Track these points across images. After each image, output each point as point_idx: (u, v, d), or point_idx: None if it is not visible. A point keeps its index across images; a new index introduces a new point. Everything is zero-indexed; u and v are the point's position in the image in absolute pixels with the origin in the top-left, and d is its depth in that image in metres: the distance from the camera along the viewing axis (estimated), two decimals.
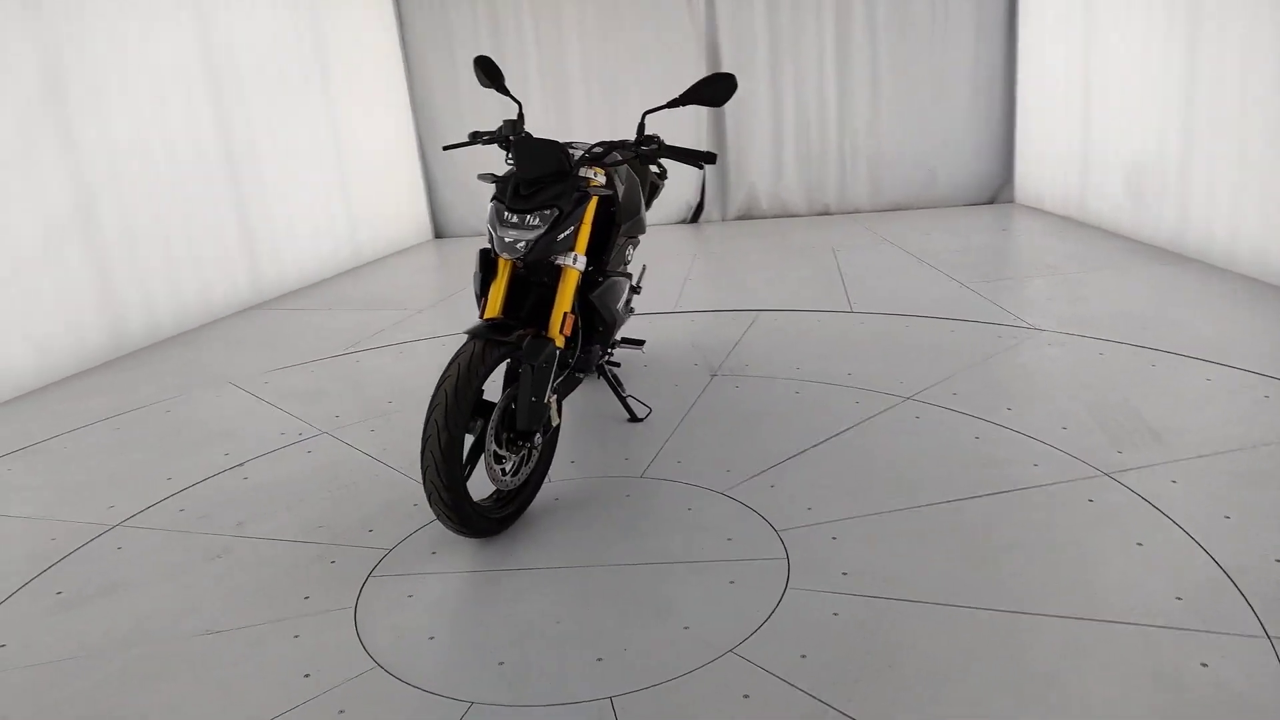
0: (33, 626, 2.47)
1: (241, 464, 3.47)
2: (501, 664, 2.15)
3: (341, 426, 3.76)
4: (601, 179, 2.84)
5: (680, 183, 8.27)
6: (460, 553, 2.67)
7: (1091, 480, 2.83)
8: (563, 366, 2.86)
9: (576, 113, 8.29)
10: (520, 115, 2.91)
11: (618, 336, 3.63)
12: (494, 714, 1.98)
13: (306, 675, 2.16)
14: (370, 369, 4.57)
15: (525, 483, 2.82)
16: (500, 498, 2.78)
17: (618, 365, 3.68)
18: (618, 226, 3.01)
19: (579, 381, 3.18)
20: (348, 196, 7.36)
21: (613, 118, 8.23)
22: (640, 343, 3.78)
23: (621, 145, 2.93)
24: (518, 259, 2.68)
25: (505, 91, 3.06)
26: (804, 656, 2.08)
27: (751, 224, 8.11)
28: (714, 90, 2.90)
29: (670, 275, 6.14)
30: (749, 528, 2.69)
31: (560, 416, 2.88)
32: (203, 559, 2.77)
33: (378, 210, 7.75)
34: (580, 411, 3.72)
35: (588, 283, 2.96)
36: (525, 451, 2.71)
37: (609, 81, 8.19)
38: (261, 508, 3.08)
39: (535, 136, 2.76)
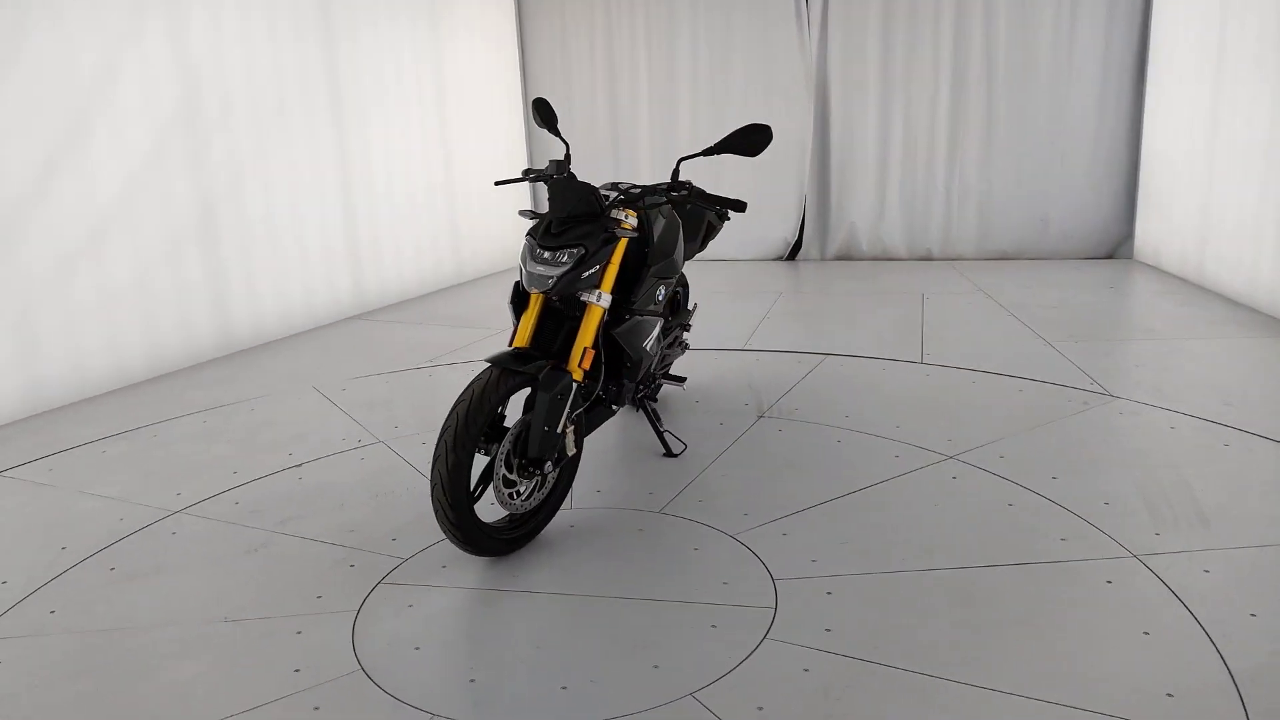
0: (82, 597, 2.73)
1: (300, 465, 3.71)
2: (473, 681, 2.25)
3: (398, 437, 3.97)
4: (632, 221, 2.93)
5: (778, 220, 8.30)
6: (468, 569, 2.79)
7: (1117, 561, 2.69)
8: (584, 400, 2.95)
9: (681, 138, 8.43)
10: (567, 155, 3.04)
11: (658, 372, 3.70)
12: None
13: (297, 670, 2.31)
14: (440, 384, 4.79)
15: (540, 508, 2.92)
16: (514, 520, 2.89)
17: (655, 400, 3.75)
18: (647, 267, 3.08)
19: (609, 415, 3.27)
20: (454, 215, 7.72)
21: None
22: (681, 380, 3.83)
23: (653, 190, 3.02)
24: (543, 293, 2.80)
25: (557, 133, 3.20)
26: (760, 709, 2.09)
27: (849, 265, 8.02)
28: (750, 140, 2.95)
29: (749, 313, 6.16)
30: (747, 574, 2.70)
31: (579, 448, 2.96)
32: (243, 551, 3.00)
33: (484, 230, 8.09)
34: (617, 442, 3.80)
35: (616, 319, 3.05)
36: (537, 478, 2.80)
37: (716, 109, 8.30)
38: (306, 508, 3.29)
39: (572, 178, 2.88)
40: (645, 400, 3.63)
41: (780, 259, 8.41)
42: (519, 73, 8.68)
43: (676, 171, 3.14)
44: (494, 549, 2.78)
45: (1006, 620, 2.42)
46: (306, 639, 2.46)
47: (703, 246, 3.97)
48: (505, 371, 2.67)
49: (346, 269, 6.59)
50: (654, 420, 3.64)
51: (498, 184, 3.14)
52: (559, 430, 2.77)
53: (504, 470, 2.71)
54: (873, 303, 6.38)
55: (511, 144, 8.56)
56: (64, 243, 4.65)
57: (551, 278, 2.77)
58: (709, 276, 7.74)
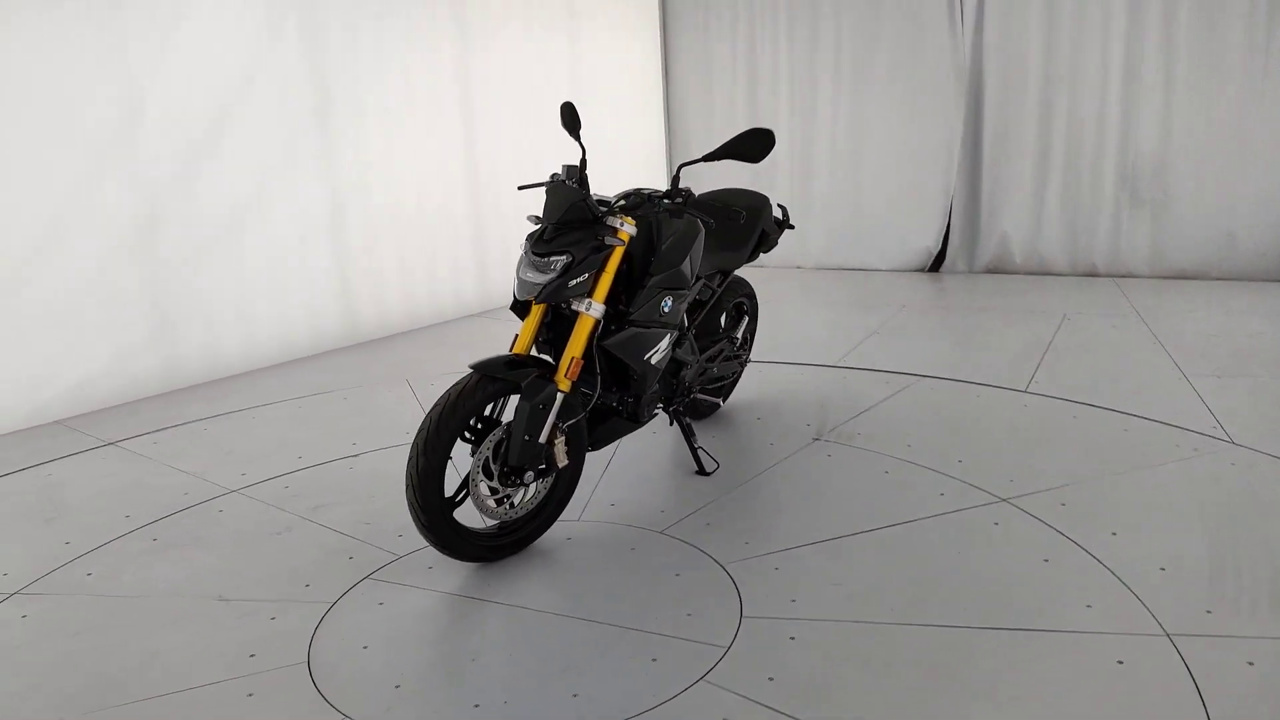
0: (118, 564, 3.01)
1: (358, 455, 3.91)
2: (397, 688, 2.27)
3: None
4: (629, 229, 2.86)
5: (919, 227, 7.84)
6: (450, 573, 2.83)
7: (1143, 639, 2.33)
8: (580, 410, 2.91)
9: (821, 139, 8.15)
10: (582, 161, 3.00)
11: (695, 387, 3.60)
12: None
13: (252, 655, 2.44)
14: None
15: (532, 517, 2.92)
16: (505, 527, 2.90)
17: (687, 416, 3.64)
18: (650, 276, 2.99)
19: (631, 428, 3.21)
20: None
21: (857, 147, 8.00)
22: (716, 405, 3.73)
23: (650, 198, 2.93)
24: (532, 300, 2.79)
25: (578, 138, 3.17)
26: None
27: (997, 280, 7.44)
28: (750, 146, 2.81)
29: (858, 327, 5.85)
30: (717, 607, 2.56)
31: (574, 460, 2.93)
32: (269, 533, 3.19)
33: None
34: (653, 456, 3.72)
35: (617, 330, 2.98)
36: (520, 488, 2.80)
37: (857, 108, 7.94)
38: (341, 496, 3.46)
39: (564, 184, 2.84)
40: (680, 415, 3.54)
41: (921, 270, 7.94)
42: (660, 73, 8.70)
43: (676, 178, 3.03)
44: (474, 554, 2.80)
45: (970, 692, 2.16)
46: (278, 625, 2.58)
47: (754, 256, 3.81)
48: (484, 378, 2.68)
49: (472, 266, 6.86)
50: (688, 435, 3.54)
51: (521, 189, 3.16)
52: (541, 440, 2.74)
53: (482, 477, 2.73)
54: (1002, 322, 5.89)
55: (651, 142, 8.61)
56: (201, 233, 5.14)
57: (539, 285, 2.75)
58: (834, 286, 7.45)
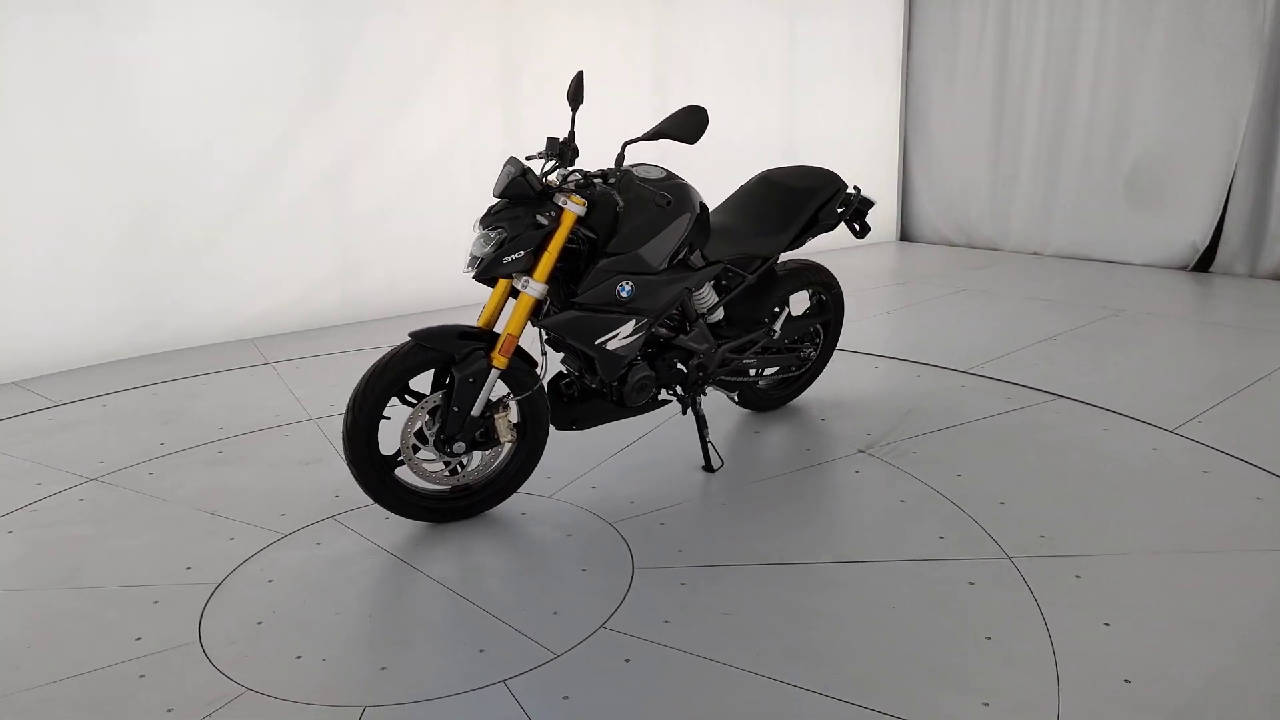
0: (178, 472, 3.51)
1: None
2: (299, 658, 2.28)
3: None
4: (575, 208, 2.72)
5: (1185, 219, 6.56)
6: (339, 543, 2.84)
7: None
8: (527, 387, 2.88)
9: (1076, 117, 7.06)
10: (570, 134, 2.89)
11: (712, 377, 3.37)
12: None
13: (138, 639, 2.37)
14: None
15: (486, 485, 2.96)
16: (457, 491, 2.97)
17: (700, 406, 3.39)
18: (603, 256, 2.81)
19: (611, 413, 3.11)
20: None
21: (1118, 125, 6.83)
22: (782, 400, 3.69)
23: (587, 177, 2.77)
24: (471, 274, 2.78)
25: (576, 111, 2.97)
26: (566, 698, 2.01)
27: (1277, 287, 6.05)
28: (685, 125, 2.59)
29: (1035, 330, 5.09)
30: (591, 616, 2.45)
31: (528, 434, 2.92)
32: (298, 463, 3.51)
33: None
34: (662, 445, 3.56)
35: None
36: (453, 457, 2.83)
37: (1123, 81, 6.78)
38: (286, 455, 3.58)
39: (517, 158, 2.76)
40: (694, 404, 3.36)
41: (1183, 269, 6.65)
42: (903, 38, 8.00)
43: (621, 157, 2.82)
44: (411, 513, 2.89)
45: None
46: (160, 610, 2.53)
47: (799, 242, 3.45)
48: (417, 347, 2.75)
49: None
50: (701, 427, 3.36)
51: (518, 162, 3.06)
52: (474, 413, 2.76)
53: (414, 440, 2.81)
54: (1220, 342, 4.80)
55: (886, 115, 7.99)
56: (386, 189, 5.68)
57: (478, 259, 2.74)
58: (1057, 277, 6.50)
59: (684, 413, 3.38)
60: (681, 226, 2.94)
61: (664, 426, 3.74)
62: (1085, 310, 5.53)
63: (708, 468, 3.32)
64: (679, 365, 3.26)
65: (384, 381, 2.72)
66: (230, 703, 2.14)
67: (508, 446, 2.95)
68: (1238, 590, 2.47)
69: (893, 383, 4.25)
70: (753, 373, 3.58)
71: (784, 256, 3.91)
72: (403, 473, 2.90)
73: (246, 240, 5.23)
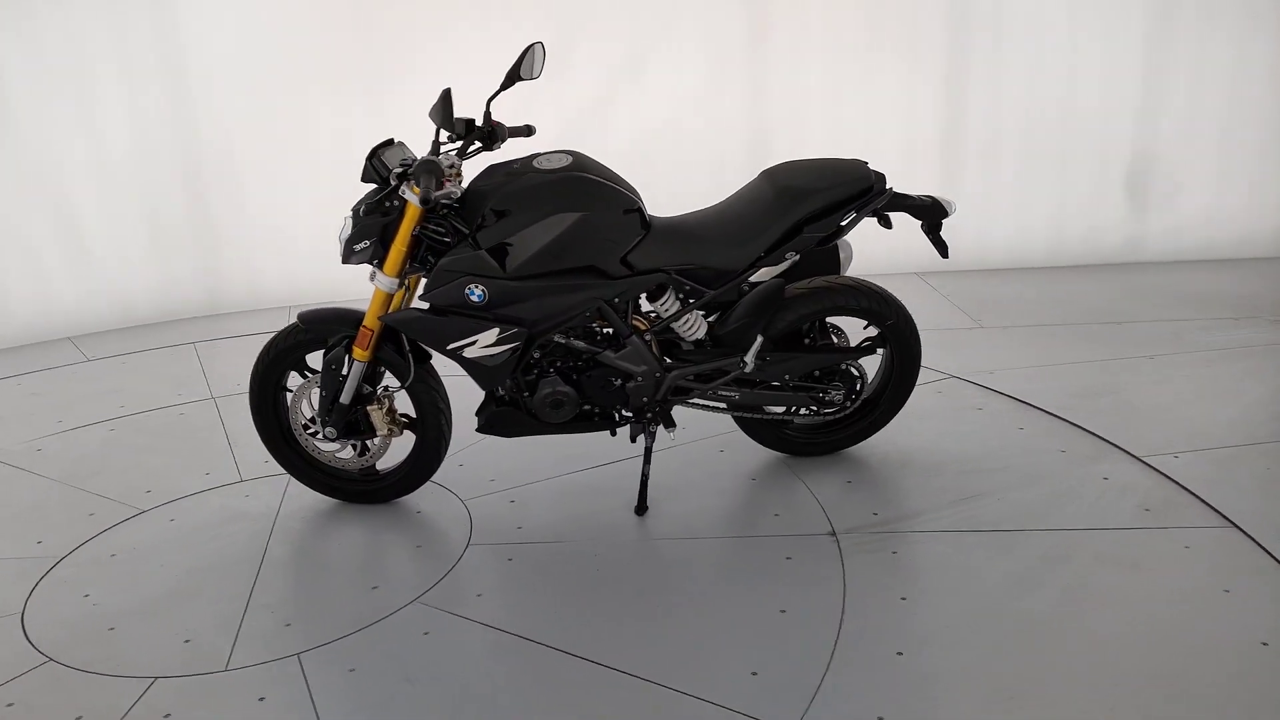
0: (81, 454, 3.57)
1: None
2: (112, 630, 2.36)
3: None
4: (411, 197, 2.55)
5: None
6: (195, 515, 2.92)
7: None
8: (403, 380, 2.78)
9: None
10: (487, 114, 2.65)
11: (667, 401, 2.83)
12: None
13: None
14: None
15: (390, 474, 2.93)
16: (366, 473, 2.93)
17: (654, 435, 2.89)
18: (445, 251, 2.62)
19: (526, 425, 2.80)
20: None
21: None
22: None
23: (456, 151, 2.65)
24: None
25: (449, 129, 2.65)
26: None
27: None
28: (525, 63, 2.53)
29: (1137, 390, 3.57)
30: (408, 590, 2.48)
31: (401, 428, 2.82)
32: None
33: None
34: (621, 475, 3.06)
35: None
36: (326, 441, 2.82)
37: None
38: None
39: (394, 138, 2.70)
40: (645, 433, 2.86)
41: None
42: None
43: (487, 115, 2.62)
44: (321, 488, 2.93)
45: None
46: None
47: (777, 256, 2.72)
48: (297, 327, 2.77)
49: None
50: (645, 463, 2.88)
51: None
52: (342, 401, 2.74)
53: (300, 418, 2.85)
54: None
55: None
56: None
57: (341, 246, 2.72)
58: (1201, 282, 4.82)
59: (632, 440, 2.93)
60: (555, 227, 2.56)
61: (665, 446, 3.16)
62: (1248, 329, 4.04)
63: (640, 508, 2.87)
64: (615, 384, 2.79)
65: (271, 359, 2.80)
66: (28, 672, 2.20)
67: (407, 438, 2.87)
68: None
69: (1014, 454, 3.10)
70: (746, 408, 2.94)
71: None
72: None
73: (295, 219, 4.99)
